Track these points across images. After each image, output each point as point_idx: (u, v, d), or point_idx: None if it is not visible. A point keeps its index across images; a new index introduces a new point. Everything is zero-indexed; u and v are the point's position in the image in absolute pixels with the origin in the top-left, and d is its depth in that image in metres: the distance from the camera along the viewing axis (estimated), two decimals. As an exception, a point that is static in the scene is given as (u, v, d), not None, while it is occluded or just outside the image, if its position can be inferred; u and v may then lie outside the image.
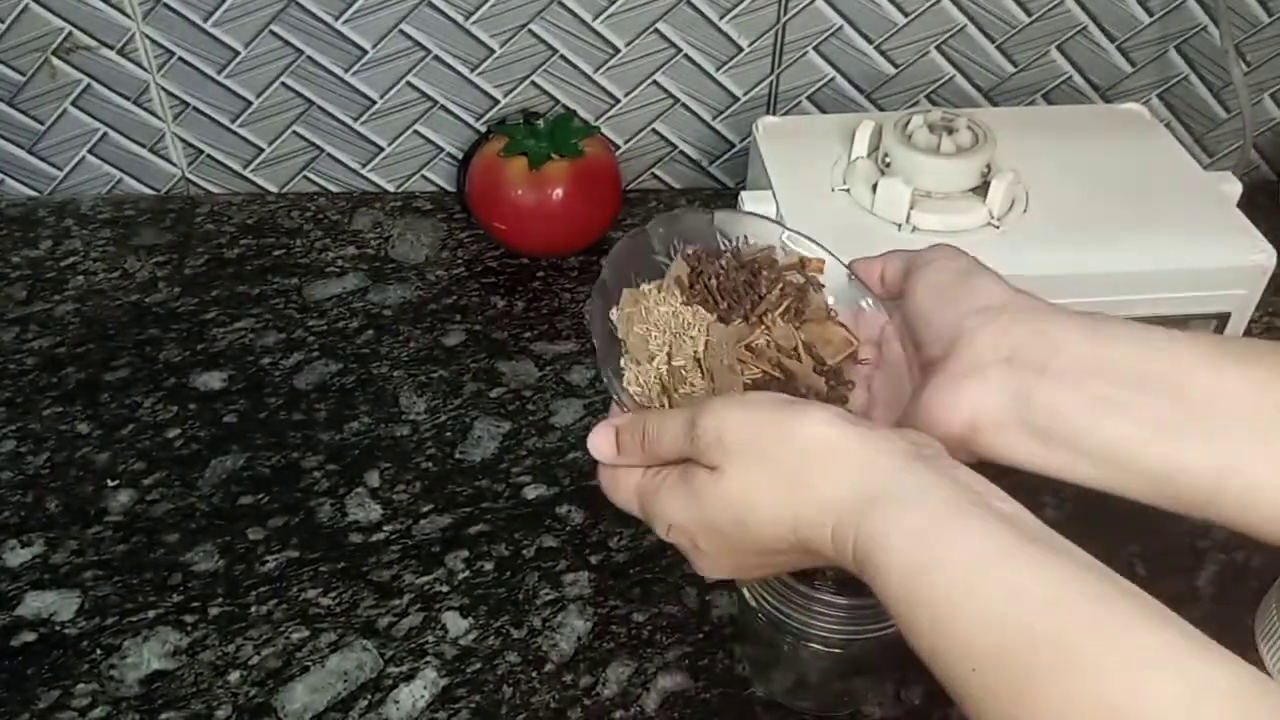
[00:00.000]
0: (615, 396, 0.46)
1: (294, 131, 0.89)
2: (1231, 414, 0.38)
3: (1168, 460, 0.39)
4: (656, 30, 0.85)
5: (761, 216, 0.51)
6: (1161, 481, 0.39)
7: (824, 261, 0.49)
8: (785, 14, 0.85)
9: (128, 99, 0.87)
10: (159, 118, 0.88)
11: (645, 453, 0.43)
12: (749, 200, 0.68)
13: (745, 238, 0.49)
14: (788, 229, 0.50)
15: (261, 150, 0.90)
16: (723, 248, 0.49)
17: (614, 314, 0.48)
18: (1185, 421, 0.38)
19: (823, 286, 0.49)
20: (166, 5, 0.82)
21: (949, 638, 0.33)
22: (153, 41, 0.84)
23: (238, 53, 0.85)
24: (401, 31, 0.84)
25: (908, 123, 0.68)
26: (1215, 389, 0.38)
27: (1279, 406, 0.38)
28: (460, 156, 0.91)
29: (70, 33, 0.83)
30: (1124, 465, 0.39)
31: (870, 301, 0.49)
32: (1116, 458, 0.39)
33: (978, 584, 0.33)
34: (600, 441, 0.44)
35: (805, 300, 0.49)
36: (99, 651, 0.59)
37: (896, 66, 0.89)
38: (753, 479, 0.39)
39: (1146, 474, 0.39)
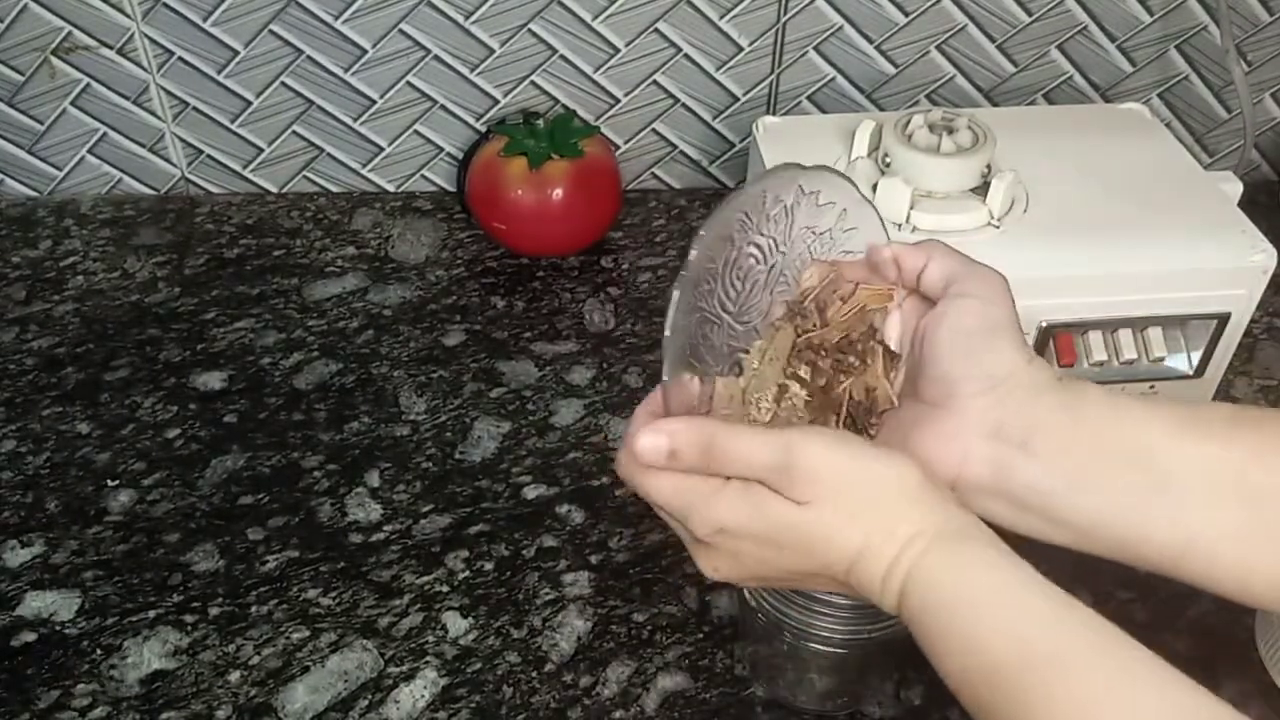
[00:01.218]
0: (665, 382, 0.43)
1: (294, 131, 0.89)
2: (1192, 486, 0.41)
3: (1134, 531, 0.42)
4: (656, 30, 0.85)
5: (842, 176, 0.48)
6: (1129, 549, 0.43)
7: (892, 292, 0.48)
8: (785, 14, 0.85)
9: (128, 99, 0.87)
10: (159, 118, 0.88)
11: (705, 465, 0.42)
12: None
13: (817, 195, 0.47)
14: (860, 193, 0.48)
15: (261, 150, 0.90)
16: (808, 302, 0.48)
17: (719, 383, 0.45)
18: (1150, 496, 0.42)
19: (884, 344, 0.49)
20: (166, 5, 0.82)
21: (980, 654, 0.38)
22: (153, 41, 0.84)
23: (238, 53, 0.85)
24: (401, 31, 0.84)
25: (908, 123, 0.68)
26: (1179, 462, 0.42)
27: (1235, 478, 0.41)
28: (460, 156, 0.91)
29: (70, 33, 0.83)
30: (1094, 535, 0.43)
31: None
32: (1087, 529, 0.43)
33: (1008, 611, 0.38)
34: (650, 444, 0.42)
35: (871, 354, 0.48)
36: (99, 651, 0.59)
37: (896, 66, 0.89)
38: (840, 517, 0.40)
39: (1115, 542, 0.43)
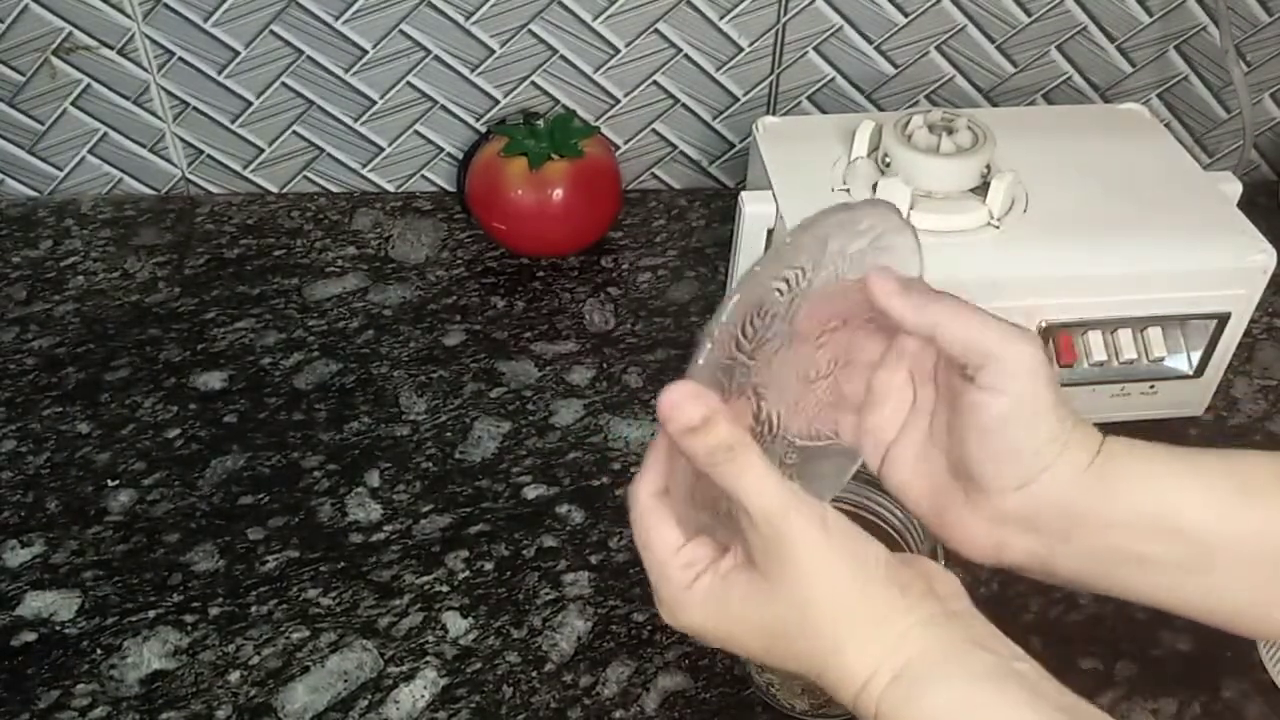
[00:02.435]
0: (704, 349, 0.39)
1: (294, 131, 0.89)
2: (1230, 558, 0.41)
3: (1169, 598, 0.43)
4: (656, 30, 0.85)
5: (889, 205, 0.45)
6: (1164, 607, 0.43)
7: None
8: (785, 14, 0.85)
9: (128, 99, 0.87)
10: (159, 118, 0.88)
11: (714, 463, 0.38)
12: (749, 200, 0.68)
13: (856, 223, 0.44)
14: (903, 219, 0.45)
15: (261, 150, 0.90)
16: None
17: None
18: (1185, 571, 0.42)
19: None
20: (166, 5, 0.82)
21: None
22: (153, 41, 0.84)
23: (238, 53, 0.85)
24: (401, 31, 0.84)
25: (908, 123, 0.68)
26: (1213, 534, 0.41)
27: (1263, 541, 0.41)
28: (460, 156, 0.91)
29: (70, 33, 0.83)
30: (1131, 597, 0.44)
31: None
32: (1126, 595, 0.43)
33: None
34: (684, 405, 0.37)
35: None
36: (99, 651, 0.59)
37: (896, 66, 0.89)
38: (842, 593, 0.38)
39: (1153, 605, 0.43)
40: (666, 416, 0.37)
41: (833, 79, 0.89)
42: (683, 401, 0.37)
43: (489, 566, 0.63)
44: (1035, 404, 0.41)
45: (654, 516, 0.41)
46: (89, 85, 0.86)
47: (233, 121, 0.89)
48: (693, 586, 0.40)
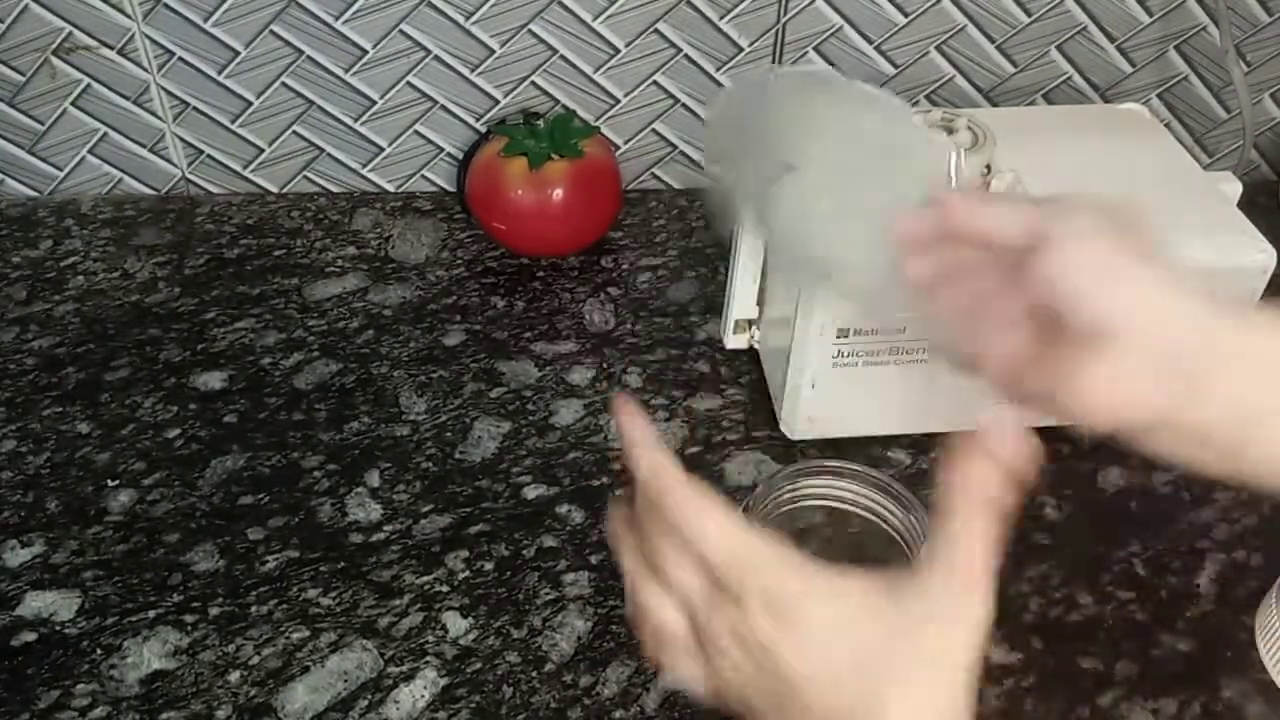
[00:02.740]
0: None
1: (294, 131, 0.89)
2: None
3: None
4: (656, 30, 0.85)
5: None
6: None
7: None
8: (785, 14, 0.85)
9: (128, 99, 0.87)
10: (159, 118, 0.88)
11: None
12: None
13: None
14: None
15: (261, 150, 0.90)
16: None
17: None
18: None
19: None
20: (166, 5, 0.82)
21: None
22: (153, 41, 0.84)
23: (238, 53, 0.85)
24: (401, 31, 0.84)
25: (908, 123, 0.68)
26: None
27: None
28: (460, 156, 0.91)
29: (70, 33, 0.83)
30: (1265, 476, 0.41)
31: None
32: (1259, 471, 0.41)
33: None
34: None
35: None
36: (99, 651, 0.59)
37: (896, 66, 0.89)
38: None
39: (1270, 480, 0.41)
40: (996, 440, 0.37)
41: (833, 79, 0.89)
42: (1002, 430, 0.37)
43: (489, 566, 0.63)
44: (1105, 263, 0.41)
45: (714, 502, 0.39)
46: (89, 85, 0.86)
47: (233, 121, 0.89)
48: (814, 577, 0.37)
